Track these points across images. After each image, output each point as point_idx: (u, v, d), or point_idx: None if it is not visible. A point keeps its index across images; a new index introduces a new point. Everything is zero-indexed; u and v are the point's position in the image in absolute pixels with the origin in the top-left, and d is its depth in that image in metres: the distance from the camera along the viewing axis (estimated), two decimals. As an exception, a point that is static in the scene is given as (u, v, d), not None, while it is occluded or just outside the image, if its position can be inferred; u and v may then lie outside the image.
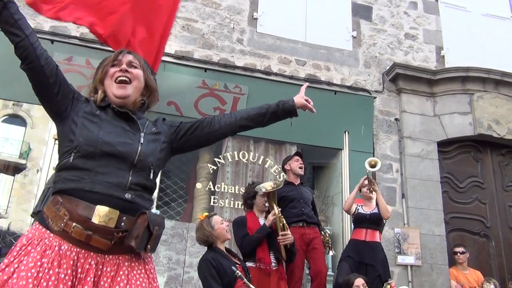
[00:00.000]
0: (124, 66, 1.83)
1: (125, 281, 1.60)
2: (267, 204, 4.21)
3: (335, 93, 6.27)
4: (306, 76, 6.25)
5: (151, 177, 1.76)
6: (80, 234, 1.56)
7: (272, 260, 3.98)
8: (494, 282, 5.42)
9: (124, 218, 1.61)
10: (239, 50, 6.15)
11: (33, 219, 3.81)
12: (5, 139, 18.17)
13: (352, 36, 6.77)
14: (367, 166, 4.77)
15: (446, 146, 6.51)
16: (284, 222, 4.06)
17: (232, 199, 5.65)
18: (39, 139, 17.74)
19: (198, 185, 5.75)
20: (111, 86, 1.82)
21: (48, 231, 1.58)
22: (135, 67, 1.86)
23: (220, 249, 3.57)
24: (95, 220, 1.57)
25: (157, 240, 1.71)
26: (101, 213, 1.58)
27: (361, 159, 5.94)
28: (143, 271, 1.68)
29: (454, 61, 6.91)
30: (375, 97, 6.44)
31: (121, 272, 1.61)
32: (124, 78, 1.82)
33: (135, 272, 1.65)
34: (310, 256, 4.67)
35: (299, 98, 2.12)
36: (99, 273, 1.58)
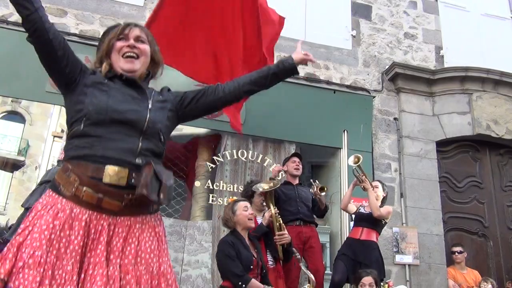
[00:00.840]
0: (132, 42, 1.84)
1: (136, 243, 1.65)
2: (264, 204, 4.22)
3: (334, 92, 6.27)
4: (305, 74, 6.25)
5: (161, 142, 1.80)
6: (91, 197, 1.60)
7: (269, 259, 3.99)
8: (492, 282, 5.43)
9: (134, 175, 1.64)
10: (239, 49, 6.13)
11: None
12: (3, 136, 18.15)
13: (352, 35, 6.77)
14: (350, 163, 4.79)
15: (444, 146, 6.51)
16: (281, 221, 4.07)
17: (230, 197, 5.65)
18: (37, 136, 17.73)
19: (197, 183, 5.75)
20: (118, 61, 1.83)
21: (60, 197, 1.62)
22: (143, 42, 1.87)
23: (240, 235, 3.58)
24: (106, 179, 1.60)
25: (169, 190, 1.74)
26: (111, 172, 1.61)
27: (360, 158, 5.95)
28: (153, 233, 1.72)
29: (453, 61, 6.92)
30: (374, 97, 6.44)
31: (132, 234, 1.65)
32: (132, 54, 1.83)
33: (145, 234, 1.69)
34: (307, 255, 4.70)
35: (297, 54, 2.10)
36: (111, 233, 1.61)
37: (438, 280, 5.58)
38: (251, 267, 3.43)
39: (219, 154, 5.87)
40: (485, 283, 5.39)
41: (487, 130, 6.47)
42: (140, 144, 1.71)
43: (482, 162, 6.69)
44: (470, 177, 6.54)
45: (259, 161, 5.97)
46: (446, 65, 6.87)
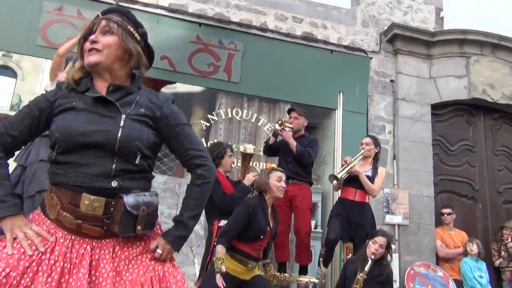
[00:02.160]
0: (92, 37, 1.68)
1: (126, 261, 1.62)
2: (233, 166, 4.16)
3: (331, 52, 6.19)
4: (303, 34, 6.14)
5: (137, 161, 1.65)
6: (71, 223, 1.58)
7: None
8: (477, 243, 5.57)
9: (112, 203, 1.59)
10: (235, 5, 5.99)
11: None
12: (-5, 91, 17.94)
13: (351, -7, 6.61)
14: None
15: (439, 109, 6.51)
16: None
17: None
18: (29, 91, 17.51)
19: (191, 141, 5.74)
20: (85, 58, 1.70)
21: (46, 218, 1.62)
22: (108, 33, 1.69)
23: (265, 202, 3.56)
24: (82, 208, 1.57)
25: (149, 219, 1.66)
26: (86, 201, 1.57)
27: (354, 119, 5.96)
28: (143, 250, 1.67)
29: (452, 23, 6.80)
30: (371, 58, 6.37)
31: (120, 254, 1.62)
32: (91, 49, 1.68)
33: (135, 251, 1.65)
34: (294, 213, 4.71)
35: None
36: (97, 257, 1.58)
37: (426, 240, 5.70)
38: (262, 236, 3.44)
39: (213, 113, 5.84)
40: (471, 244, 5.52)
41: (483, 94, 6.46)
42: (114, 166, 1.60)
43: (476, 126, 6.71)
44: (463, 141, 6.58)
45: (253, 120, 5.95)
46: (445, 28, 6.76)
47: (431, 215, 5.86)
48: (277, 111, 6.01)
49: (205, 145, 5.68)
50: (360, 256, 4.13)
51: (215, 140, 5.67)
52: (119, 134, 1.60)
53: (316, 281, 4.29)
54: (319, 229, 5.75)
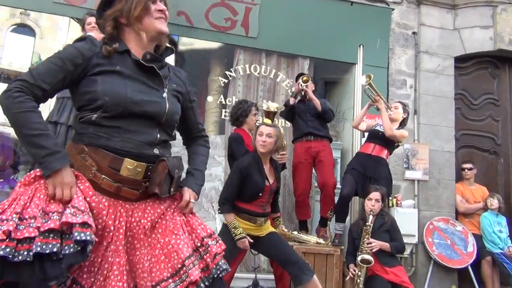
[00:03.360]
0: (163, 6, 1.76)
1: (159, 216, 1.73)
2: (257, 123, 4.16)
3: (352, 4, 5.99)
4: (322, -15, 5.93)
5: (173, 132, 1.83)
6: (110, 186, 1.60)
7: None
8: (498, 197, 5.54)
9: (150, 168, 1.66)
10: (252, -44, 5.80)
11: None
12: (15, 49, 18.01)
13: None
14: (362, 82, 4.73)
15: (463, 62, 6.31)
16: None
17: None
18: (49, 50, 17.51)
19: (209, 98, 5.75)
20: (153, 23, 1.73)
21: (82, 176, 1.60)
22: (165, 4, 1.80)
23: (259, 158, 3.52)
24: (124, 173, 1.61)
25: (179, 181, 1.79)
26: (129, 166, 1.61)
27: (375, 73, 5.78)
28: (170, 208, 1.78)
29: (479, -30, 6.48)
30: (393, 9, 6.15)
31: (153, 211, 1.71)
32: (162, 17, 1.76)
33: (162, 207, 1.75)
34: (317, 168, 4.81)
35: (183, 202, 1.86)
36: (131, 218, 1.65)
37: (446, 195, 5.69)
38: (260, 194, 3.45)
39: (231, 69, 5.79)
40: (491, 199, 5.50)
41: (509, 45, 6.21)
42: (158, 135, 1.71)
43: (500, 79, 6.51)
44: (487, 94, 6.41)
45: (272, 76, 5.89)
46: (471, -25, 6.45)
47: (452, 170, 5.81)
48: (295, 66, 5.91)
49: (223, 101, 5.69)
50: (360, 217, 4.41)
51: (234, 97, 5.67)
52: (167, 107, 1.72)
53: (322, 242, 4.39)
54: (338, 185, 5.78)
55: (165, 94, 1.74)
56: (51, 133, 1.59)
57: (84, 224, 1.43)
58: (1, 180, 5.09)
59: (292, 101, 4.93)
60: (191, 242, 1.71)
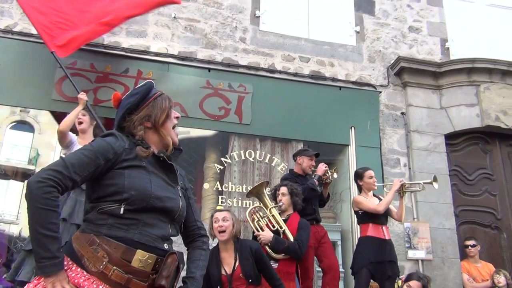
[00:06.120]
0: (177, 114, 1.95)
1: None
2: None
3: (340, 89, 6.25)
4: (310, 72, 6.23)
5: (180, 228, 1.92)
6: (121, 277, 1.59)
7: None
8: (505, 273, 5.37)
9: (159, 260, 1.68)
10: (242, 49, 6.14)
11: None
12: (13, 146, 18.26)
13: (356, 31, 6.73)
14: (435, 185, 4.75)
15: (453, 139, 6.45)
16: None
17: (239, 198, 5.64)
18: (47, 144, 17.74)
19: (206, 185, 5.75)
20: (170, 132, 1.89)
21: (84, 271, 1.58)
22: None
23: (216, 248, 3.53)
24: (135, 264, 1.62)
25: (179, 276, 1.81)
26: (141, 257, 1.63)
27: (368, 154, 5.92)
28: None
29: (459, 53, 6.85)
30: (380, 92, 6.40)
31: None
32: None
33: None
34: (322, 250, 4.71)
35: None
36: None
37: (452, 274, 5.52)
38: (219, 287, 3.32)
39: (226, 156, 5.86)
40: (498, 275, 5.33)
41: (496, 121, 6.40)
42: (170, 230, 1.77)
43: (492, 154, 6.62)
44: (481, 169, 6.47)
45: (267, 161, 5.95)
46: (452, 58, 6.80)
47: (455, 248, 5.69)
48: (290, 150, 6.00)
49: (220, 188, 5.69)
50: None
51: (230, 183, 5.68)
52: (181, 204, 1.82)
53: None
54: (340, 269, 5.60)
55: (179, 192, 1.85)
56: (59, 235, 1.56)
57: None
58: (-7, 279, 4.90)
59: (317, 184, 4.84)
60: None
